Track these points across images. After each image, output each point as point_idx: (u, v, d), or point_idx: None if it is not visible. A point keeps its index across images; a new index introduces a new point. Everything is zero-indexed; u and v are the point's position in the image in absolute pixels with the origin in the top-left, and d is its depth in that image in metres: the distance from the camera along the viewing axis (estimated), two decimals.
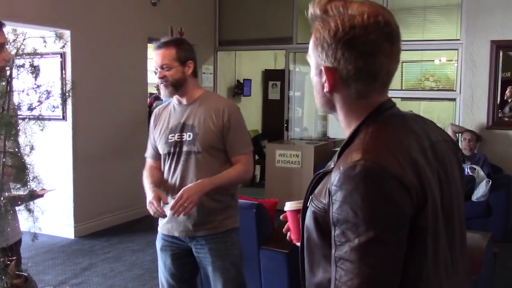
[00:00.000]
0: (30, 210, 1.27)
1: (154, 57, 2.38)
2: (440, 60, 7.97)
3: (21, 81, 1.25)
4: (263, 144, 7.99)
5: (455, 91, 6.32)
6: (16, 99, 1.27)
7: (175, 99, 2.44)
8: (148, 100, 6.92)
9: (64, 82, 4.84)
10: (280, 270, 3.20)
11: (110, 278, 4.24)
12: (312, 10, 1.08)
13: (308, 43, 1.11)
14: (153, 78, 2.91)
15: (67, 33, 4.94)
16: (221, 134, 2.35)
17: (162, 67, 2.33)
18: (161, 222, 2.47)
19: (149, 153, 2.55)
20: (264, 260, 3.27)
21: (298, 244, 1.30)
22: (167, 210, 2.31)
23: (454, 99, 6.37)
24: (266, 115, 8.96)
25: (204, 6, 7.29)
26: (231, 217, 2.44)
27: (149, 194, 2.30)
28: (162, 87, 2.36)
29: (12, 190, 1.28)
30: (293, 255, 3.06)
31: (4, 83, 1.22)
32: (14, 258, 1.31)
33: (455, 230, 1.10)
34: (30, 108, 1.25)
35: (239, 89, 8.32)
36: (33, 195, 1.26)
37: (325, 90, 1.09)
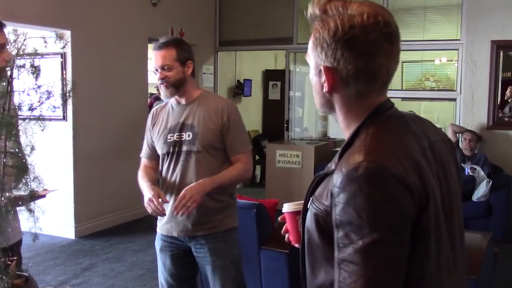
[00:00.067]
0: (30, 210, 1.27)
1: (153, 57, 2.38)
2: (440, 60, 7.97)
3: (22, 81, 1.25)
4: (263, 144, 8.00)
5: (455, 91, 6.32)
6: (16, 99, 1.27)
7: (173, 99, 2.44)
8: (149, 100, 6.92)
9: (64, 83, 4.87)
10: (281, 270, 3.20)
11: (111, 278, 4.24)
12: (312, 10, 1.08)
13: (308, 43, 1.11)
14: (153, 79, 2.91)
15: (67, 34, 4.94)
16: (220, 133, 2.36)
17: (163, 68, 2.33)
18: (160, 222, 2.47)
19: (144, 153, 2.54)
20: (264, 260, 3.27)
21: (297, 245, 1.30)
22: (166, 209, 2.31)
23: (454, 99, 6.37)
24: (266, 115, 8.96)
25: (205, 6, 7.29)
26: (231, 216, 2.44)
27: (147, 193, 2.30)
28: (162, 88, 2.36)
29: (13, 190, 1.28)
30: (293, 255, 3.06)
31: (5, 84, 1.22)
32: (15, 258, 1.31)
33: (455, 230, 1.10)
34: (31, 109, 1.25)
35: (240, 89, 8.32)
36: (34, 196, 1.26)
37: (324, 90, 1.09)
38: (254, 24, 7.47)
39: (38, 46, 1.28)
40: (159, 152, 2.44)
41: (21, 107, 1.25)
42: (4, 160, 1.22)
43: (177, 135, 2.38)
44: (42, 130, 1.25)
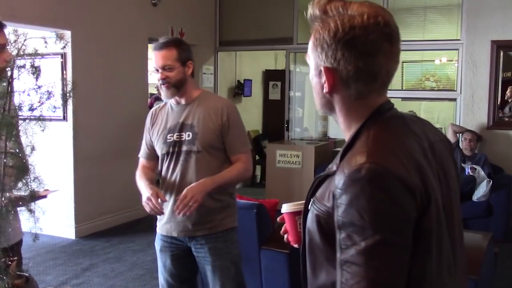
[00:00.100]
0: (31, 211, 1.27)
1: (154, 57, 2.38)
2: (440, 60, 7.97)
3: (22, 81, 1.25)
4: (263, 144, 8.00)
5: (455, 91, 6.32)
6: (17, 99, 1.27)
7: (172, 99, 2.44)
8: (149, 100, 6.93)
9: (65, 83, 4.87)
10: (281, 270, 3.20)
11: (111, 279, 4.24)
12: (312, 10, 1.08)
13: (308, 44, 1.11)
14: (153, 79, 2.91)
15: (68, 34, 4.94)
16: (220, 133, 2.36)
17: (164, 68, 2.33)
18: (160, 223, 2.47)
19: (142, 153, 2.55)
20: (264, 260, 3.27)
21: (296, 246, 1.30)
22: (165, 209, 2.31)
23: (454, 99, 6.37)
24: (266, 115, 8.96)
25: (205, 7, 7.29)
26: (230, 216, 2.44)
27: (146, 192, 2.30)
28: (163, 88, 2.35)
29: (14, 190, 1.28)
30: (293, 255, 3.06)
31: (5, 84, 1.22)
32: (15, 258, 1.31)
33: (455, 230, 1.10)
34: (31, 109, 1.25)
35: (240, 89, 8.32)
36: (35, 196, 1.26)
37: (324, 90, 1.09)
38: (254, 24, 7.47)
39: (39, 46, 1.28)
40: (159, 152, 2.44)
41: (22, 108, 1.25)
42: (5, 160, 1.23)
43: (177, 135, 2.38)
44: (43, 130, 1.25)
